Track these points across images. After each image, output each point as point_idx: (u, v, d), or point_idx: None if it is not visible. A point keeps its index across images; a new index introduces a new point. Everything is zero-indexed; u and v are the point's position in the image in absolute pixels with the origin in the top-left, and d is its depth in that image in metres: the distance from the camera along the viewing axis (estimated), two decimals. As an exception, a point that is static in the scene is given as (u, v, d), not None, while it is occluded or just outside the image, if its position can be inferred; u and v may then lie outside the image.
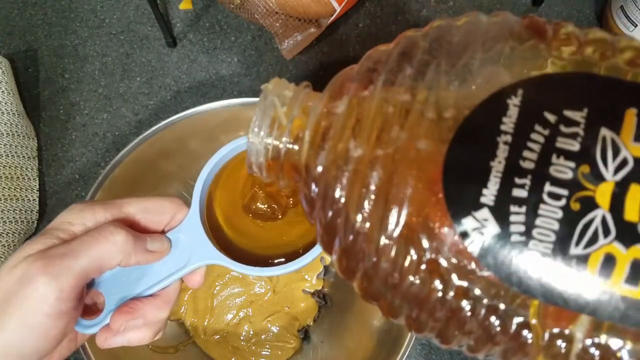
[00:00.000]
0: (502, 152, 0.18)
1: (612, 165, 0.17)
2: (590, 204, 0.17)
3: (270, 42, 0.57)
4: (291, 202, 0.32)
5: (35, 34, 0.57)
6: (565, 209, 0.17)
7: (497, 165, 0.18)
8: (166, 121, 0.40)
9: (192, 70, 0.56)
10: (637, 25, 0.53)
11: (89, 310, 0.27)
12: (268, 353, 0.46)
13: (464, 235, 0.18)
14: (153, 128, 0.40)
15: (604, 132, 0.18)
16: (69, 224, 0.26)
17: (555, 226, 0.17)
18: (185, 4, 0.58)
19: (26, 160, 0.51)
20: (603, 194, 0.17)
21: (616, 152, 0.18)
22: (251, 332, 0.47)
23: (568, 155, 0.18)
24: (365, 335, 0.43)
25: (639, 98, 0.18)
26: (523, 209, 0.18)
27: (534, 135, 0.18)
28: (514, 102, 0.19)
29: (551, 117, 0.18)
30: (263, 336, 0.47)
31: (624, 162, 0.17)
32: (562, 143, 0.18)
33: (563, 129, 0.18)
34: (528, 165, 0.18)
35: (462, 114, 0.19)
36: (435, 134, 0.19)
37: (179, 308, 0.46)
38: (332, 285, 0.49)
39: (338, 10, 0.51)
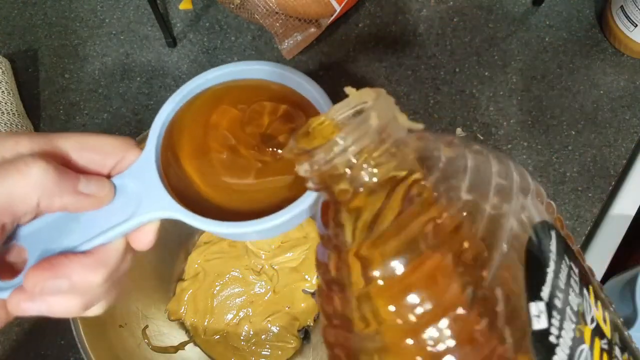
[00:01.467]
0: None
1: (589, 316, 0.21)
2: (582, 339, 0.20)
3: (270, 42, 0.57)
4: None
5: (35, 34, 0.57)
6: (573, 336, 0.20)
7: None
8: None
9: (192, 70, 0.56)
10: (637, 25, 0.53)
11: (11, 269, 0.22)
12: (268, 353, 0.46)
13: None
14: (153, 128, 0.40)
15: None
16: None
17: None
18: (185, 4, 0.58)
19: (26, 160, 0.51)
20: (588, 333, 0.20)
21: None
22: (251, 332, 0.47)
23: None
24: (365, 335, 0.43)
25: None
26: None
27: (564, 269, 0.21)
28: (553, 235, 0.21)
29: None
30: (263, 336, 0.47)
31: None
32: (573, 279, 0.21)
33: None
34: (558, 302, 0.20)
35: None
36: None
37: (179, 308, 0.47)
38: (332, 285, 0.49)
39: (338, 10, 0.51)
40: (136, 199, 0.22)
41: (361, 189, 0.20)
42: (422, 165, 0.20)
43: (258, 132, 0.25)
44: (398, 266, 0.18)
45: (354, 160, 0.19)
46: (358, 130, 0.19)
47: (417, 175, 0.19)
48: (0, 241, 0.20)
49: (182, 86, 0.24)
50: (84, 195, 0.21)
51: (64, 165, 0.21)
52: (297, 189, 0.23)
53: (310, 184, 0.20)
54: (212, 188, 0.24)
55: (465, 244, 0.18)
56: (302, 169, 0.20)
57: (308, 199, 0.23)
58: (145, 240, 0.23)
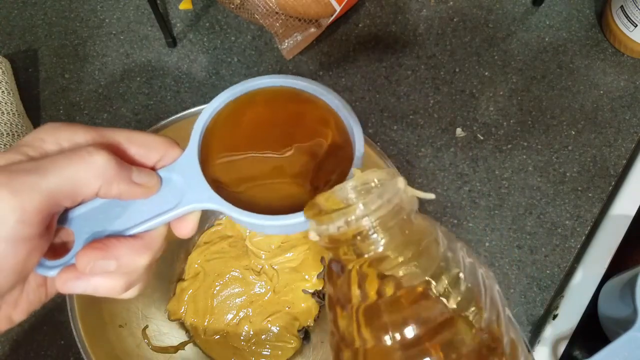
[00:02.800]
0: None
1: None
2: None
3: (270, 42, 0.57)
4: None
5: (35, 34, 0.57)
6: None
7: None
8: (166, 121, 0.40)
9: (192, 70, 0.56)
10: (637, 25, 0.53)
11: (57, 251, 0.23)
12: (268, 353, 0.46)
13: None
14: (153, 128, 0.40)
15: None
16: (41, 140, 0.21)
17: None
18: (185, 4, 0.58)
19: (26, 160, 0.51)
20: None
21: None
22: (251, 332, 0.47)
23: None
24: (365, 335, 0.43)
25: None
26: None
27: None
28: None
29: None
30: (263, 336, 0.47)
31: None
32: None
33: None
34: None
35: None
36: None
37: (179, 308, 0.47)
38: (332, 285, 0.49)
39: (338, 10, 0.51)
40: (180, 191, 0.24)
41: (366, 256, 0.21)
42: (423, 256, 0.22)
43: (289, 133, 0.27)
44: (389, 341, 0.21)
45: (369, 226, 0.21)
46: (376, 202, 0.21)
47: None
48: (56, 223, 0.21)
49: (222, 92, 0.26)
50: (136, 185, 0.22)
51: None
52: (322, 184, 0.25)
53: (320, 242, 0.22)
54: (244, 183, 0.26)
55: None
56: (321, 229, 0.22)
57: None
58: (187, 228, 0.24)
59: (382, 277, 0.21)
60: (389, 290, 0.21)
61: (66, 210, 0.23)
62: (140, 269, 0.23)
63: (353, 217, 0.21)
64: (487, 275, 0.23)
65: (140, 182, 0.22)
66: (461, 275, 0.22)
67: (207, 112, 0.26)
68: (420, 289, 0.21)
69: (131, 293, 0.24)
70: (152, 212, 0.23)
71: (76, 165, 0.20)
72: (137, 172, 0.22)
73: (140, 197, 0.23)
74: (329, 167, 0.26)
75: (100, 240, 0.22)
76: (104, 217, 0.23)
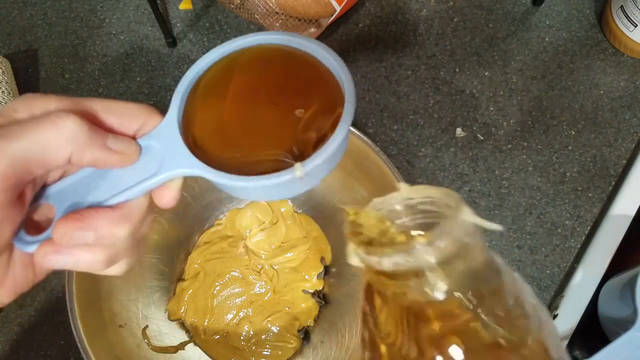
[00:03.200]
0: None
1: None
2: None
3: (270, 42, 0.57)
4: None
5: (35, 34, 0.57)
6: None
7: None
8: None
9: (192, 70, 0.56)
10: (637, 25, 0.53)
11: (37, 227, 0.22)
12: (268, 353, 0.46)
13: None
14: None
15: None
16: (13, 110, 0.21)
17: None
18: (185, 4, 0.58)
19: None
20: None
21: None
22: (251, 332, 0.47)
23: None
24: (365, 335, 0.43)
25: None
26: None
27: None
28: None
29: None
30: (263, 336, 0.47)
31: None
32: None
33: None
34: None
35: None
36: None
37: (179, 308, 0.47)
38: (332, 285, 0.49)
39: (338, 10, 0.51)
40: (160, 158, 0.23)
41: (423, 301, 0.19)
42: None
43: (275, 97, 0.25)
44: None
45: (431, 268, 0.18)
46: (442, 240, 0.18)
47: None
48: (31, 195, 0.21)
49: (204, 55, 0.25)
50: (112, 151, 0.21)
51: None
52: (309, 147, 0.24)
53: (356, 265, 0.20)
54: (228, 149, 0.25)
55: None
56: (370, 261, 0.19)
57: (316, 159, 0.23)
58: (168, 196, 0.23)
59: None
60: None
61: (46, 186, 0.22)
62: (120, 240, 0.22)
63: (414, 258, 0.18)
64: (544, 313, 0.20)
65: (117, 149, 0.22)
66: (531, 327, 0.19)
67: (189, 74, 0.25)
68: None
69: (116, 269, 0.23)
70: (131, 181, 0.22)
71: (45, 129, 0.19)
72: (112, 139, 0.22)
73: (117, 165, 0.22)
74: (316, 130, 0.24)
75: (78, 211, 0.21)
76: (83, 190, 0.22)
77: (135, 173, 0.23)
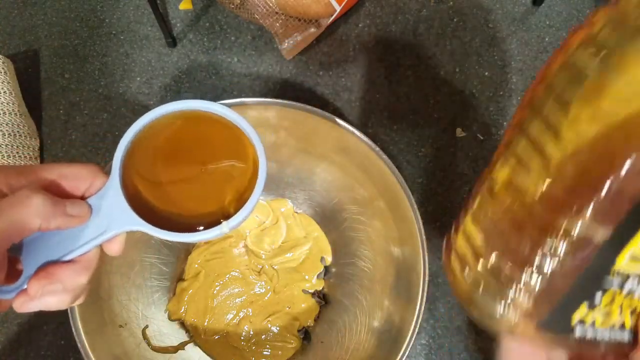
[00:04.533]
0: None
1: None
2: None
3: (270, 42, 0.57)
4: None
5: (35, 34, 0.57)
6: None
7: None
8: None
9: (192, 70, 0.56)
10: (637, 25, 0.53)
11: (9, 275, 0.27)
12: (268, 353, 0.46)
13: None
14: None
15: None
16: None
17: None
18: (185, 4, 0.58)
19: (28, 160, 0.51)
20: None
21: None
22: (251, 332, 0.47)
23: None
24: (365, 335, 0.43)
25: None
26: None
27: None
28: None
29: None
30: (263, 336, 0.47)
31: None
32: None
33: None
34: None
35: None
36: None
37: (179, 308, 0.47)
38: (332, 286, 0.49)
39: (338, 10, 0.51)
40: (107, 216, 0.27)
41: None
42: None
43: (202, 155, 0.30)
44: None
45: None
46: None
47: None
48: (6, 257, 0.25)
49: (140, 117, 0.29)
50: (71, 216, 0.26)
51: (48, 191, 0.26)
52: (233, 201, 0.30)
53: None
54: (165, 204, 0.29)
55: None
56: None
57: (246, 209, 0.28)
58: (116, 247, 0.28)
59: None
60: None
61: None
62: (82, 286, 0.27)
63: None
64: None
65: (74, 214, 0.26)
66: None
67: (125, 138, 0.29)
68: None
69: (79, 301, 0.28)
70: (85, 238, 0.27)
71: (18, 209, 0.24)
72: (70, 205, 0.26)
73: (74, 226, 0.27)
74: (238, 186, 0.30)
75: (45, 268, 0.26)
76: (45, 245, 0.27)
77: (88, 231, 0.27)
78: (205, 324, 0.47)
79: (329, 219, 0.50)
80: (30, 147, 0.52)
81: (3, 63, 0.52)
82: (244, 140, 0.30)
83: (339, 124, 0.40)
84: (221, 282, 0.48)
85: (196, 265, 0.48)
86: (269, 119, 0.42)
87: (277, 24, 0.52)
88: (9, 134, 0.50)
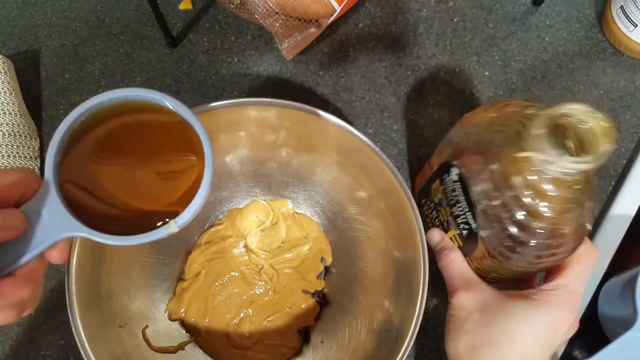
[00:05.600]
0: None
1: None
2: None
3: (270, 42, 0.57)
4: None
5: (36, 34, 0.57)
6: None
7: None
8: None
9: (192, 70, 0.56)
10: (637, 25, 0.53)
11: None
12: (268, 353, 0.46)
13: None
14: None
15: None
16: None
17: None
18: (185, 4, 0.58)
19: (28, 161, 0.51)
20: None
21: None
22: (251, 332, 0.47)
23: None
24: (365, 335, 0.43)
25: None
26: None
27: None
28: None
29: None
30: (263, 336, 0.47)
31: None
32: None
33: None
34: None
35: None
36: None
37: (179, 308, 0.47)
38: (332, 286, 0.49)
39: (338, 10, 0.51)
40: (45, 223, 0.25)
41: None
42: None
43: (143, 149, 0.28)
44: None
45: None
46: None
47: None
48: None
49: (72, 110, 0.28)
50: (4, 229, 0.24)
51: None
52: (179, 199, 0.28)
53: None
54: (106, 205, 0.27)
55: None
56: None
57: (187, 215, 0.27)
58: (59, 256, 0.26)
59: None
60: None
61: None
62: (27, 299, 0.25)
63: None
64: None
65: (7, 225, 0.24)
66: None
67: (56, 137, 0.27)
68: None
69: (27, 312, 0.26)
70: (23, 249, 0.25)
71: None
72: (2, 217, 0.24)
73: (9, 238, 0.24)
74: (186, 178, 0.28)
75: None
76: None
77: (25, 241, 0.25)
78: (205, 324, 0.46)
79: (329, 219, 0.50)
80: (30, 147, 0.52)
81: (3, 63, 0.52)
82: (190, 132, 0.28)
83: (338, 124, 0.40)
84: (221, 282, 0.48)
85: (196, 265, 0.48)
86: (269, 119, 0.42)
87: (277, 24, 0.52)
88: (9, 134, 0.50)
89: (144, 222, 0.27)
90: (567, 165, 0.30)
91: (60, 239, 0.26)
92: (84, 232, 0.25)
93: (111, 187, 0.28)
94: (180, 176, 0.28)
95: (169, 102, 0.28)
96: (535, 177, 0.32)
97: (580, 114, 0.31)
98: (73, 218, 0.25)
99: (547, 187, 0.32)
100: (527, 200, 0.33)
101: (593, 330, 0.47)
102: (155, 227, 0.26)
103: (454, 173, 0.38)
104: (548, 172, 0.31)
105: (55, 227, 0.25)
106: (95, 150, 0.28)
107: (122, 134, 0.28)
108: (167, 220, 0.26)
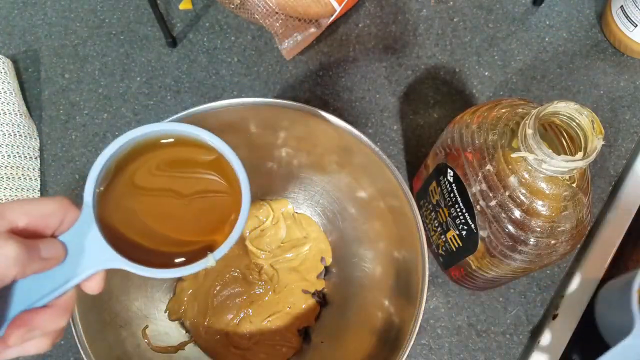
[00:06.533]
0: None
1: None
2: None
3: (270, 42, 0.57)
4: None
5: (35, 34, 0.57)
6: None
7: None
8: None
9: (192, 70, 0.56)
10: (637, 25, 0.53)
11: None
12: (268, 353, 0.46)
13: None
14: (153, 128, 0.40)
15: None
16: None
17: None
18: (185, 4, 0.58)
19: (28, 161, 0.51)
20: None
21: None
22: (251, 332, 0.47)
23: None
24: (365, 335, 0.43)
25: None
26: None
27: None
28: None
29: None
30: (263, 336, 0.47)
31: None
32: None
33: None
34: None
35: None
36: None
37: (179, 308, 0.47)
38: (332, 286, 0.49)
39: (338, 10, 0.51)
40: (83, 254, 0.25)
41: None
42: None
43: (181, 184, 0.29)
44: None
45: None
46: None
47: None
48: None
49: (110, 144, 0.27)
50: (46, 260, 0.24)
51: (18, 233, 0.24)
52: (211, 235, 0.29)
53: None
54: (145, 238, 0.28)
55: None
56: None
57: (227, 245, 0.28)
58: (95, 287, 0.27)
59: None
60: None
61: None
62: (61, 328, 0.26)
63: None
64: None
65: (49, 256, 0.24)
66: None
67: (96, 167, 0.27)
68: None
69: (57, 340, 0.27)
70: (61, 280, 0.25)
71: None
72: (44, 248, 0.24)
73: (50, 268, 0.25)
74: (222, 211, 0.28)
75: (21, 317, 0.24)
76: (19, 292, 0.24)
77: (64, 271, 0.25)
78: (205, 324, 0.46)
79: (329, 219, 0.50)
80: (31, 147, 0.52)
81: (3, 63, 0.52)
82: (225, 166, 0.28)
83: (338, 124, 0.40)
84: (221, 282, 0.48)
85: (196, 265, 0.48)
86: (269, 119, 0.42)
87: (277, 24, 0.52)
88: (9, 134, 0.50)
89: (180, 251, 0.27)
90: (560, 164, 0.30)
91: (98, 270, 0.26)
92: (123, 264, 0.25)
93: (147, 218, 0.28)
94: (215, 207, 0.29)
95: (206, 136, 0.28)
96: (530, 177, 0.32)
97: (568, 111, 0.31)
98: (112, 250, 0.26)
99: (542, 185, 0.32)
100: (523, 199, 0.33)
101: (592, 332, 0.47)
102: (191, 256, 0.27)
103: (450, 174, 0.39)
104: (542, 171, 0.32)
105: (95, 258, 0.25)
106: (133, 182, 0.28)
107: (158, 165, 0.29)
108: (208, 253, 0.27)
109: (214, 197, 0.29)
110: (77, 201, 0.26)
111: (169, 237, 0.28)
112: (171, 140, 0.29)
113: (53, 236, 0.26)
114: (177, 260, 0.28)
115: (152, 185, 0.28)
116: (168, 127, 0.28)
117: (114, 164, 0.27)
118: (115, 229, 0.27)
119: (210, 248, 0.28)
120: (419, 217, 0.39)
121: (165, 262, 0.27)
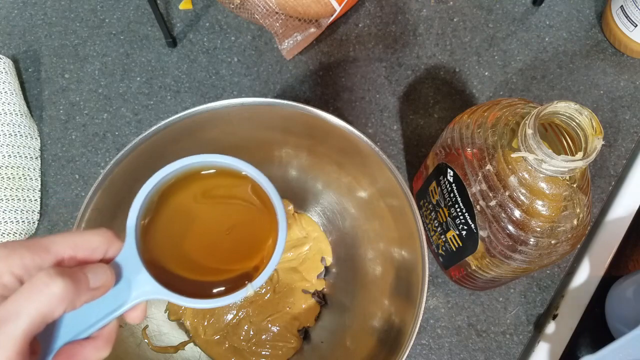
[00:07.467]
0: None
1: None
2: None
3: (270, 42, 0.57)
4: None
5: (35, 34, 0.57)
6: None
7: None
8: (166, 121, 0.40)
9: (192, 70, 0.56)
10: (637, 25, 0.53)
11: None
12: (268, 353, 0.46)
13: None
14: (153, 128, 0.40)
15: None
16: None
17: None
18: (185, 4, 0.58)
19: (28, 160, 0.51)
20: None
21: None
22: (251, 332, 0.47)
23: None
24: (365, 335, 0.43)
25: None
26: None
27: None
28: None
29: None
30: (263, 336, 0.47)
31: None
32: None
33: None
34: None
35: None
36: None
37: (179, 308, 0.47)
38: (332, 286, 0.49)
39: (338, 10, 0.51)
40: (127, 285, 0.26)
41: None
42: None
43: (220, 213, 0.30)
44: None
45: None
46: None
47: None
48: (27, 352, 0.24)
49: (150, 178, 0.28)
50: (95, 290, 0.24)
51: (65, 265, 0.24)
52: (255, 257, 0.29)
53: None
54: (187, 270, 0.28)
55: None
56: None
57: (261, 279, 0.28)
58: (139, 316, 0.27)
59: None
60: None
61: None
62: (103, 359, 0.26)
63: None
64: None
65: (98, 285, 0.24)
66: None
67: (138, 200, 0.27)
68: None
69: None
70: (104, 311, 0.25)
71: (39, 299, 0.22)
72: (92, 277, 0.24)
73: (100, 297, 0.25)
74: (259, 241, 0.29)
75: (66, 349, 0.24)
76: (63, 324, 0.24)
77: (107, 302, 0.25)
78: (205, 324, 0.47)
79: (329, 219, 0.50)
80: (31, 147, 0.52)
81: (4, 63, 0.52)
82: (263, 196, 0.29)
83: (338, 124, 0.40)
84: (221, 282, 0.48)
85: (196, 265, 0.48)
86: (269, 119, 0.42)
87: (277, 24, 0.52)
88: (10, 134, 0.50)
89: (216, 284, 0.28)
90: (560, 164, 0.30)
91: (141, 302, 0.26)
92: (166, 295, 0.26)
93: (187, 249, 0.29)
94: (253, 235, 0.29)
95: (244, 167, 0.29)
96: (530, 177, 0.32)
97: (568, 111, 0.31)
98: (156, 282, 0.26)
99: (542, 185, 0.32)
100: (523, 199, 0.33)
101: (593, 330, 0.47)
102: (227, 283, 0.28)
103: (450, 174, 0.39)
104: (542, 171, 0.32)
105: (137, 290, 0.26)
106: (175, 213, 0.29)
107: (197, 197, 0.29)
108: (246, 282, 0.28)
109: (252, 225, 0.30)
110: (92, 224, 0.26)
111: (208, 266, 0.29)
112: (212, 171, 0.30)
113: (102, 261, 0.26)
114: (215, 290, 0.28)
115: (194, 216, 0.29)
116: (209, 159, 0.29)
117: (156, 196, 0.28)
118: (155, 259, 0.27)
119: (247, 274, 0.28)
120: (419, 217, 0.39)
121: (202, 289, 0.28)
